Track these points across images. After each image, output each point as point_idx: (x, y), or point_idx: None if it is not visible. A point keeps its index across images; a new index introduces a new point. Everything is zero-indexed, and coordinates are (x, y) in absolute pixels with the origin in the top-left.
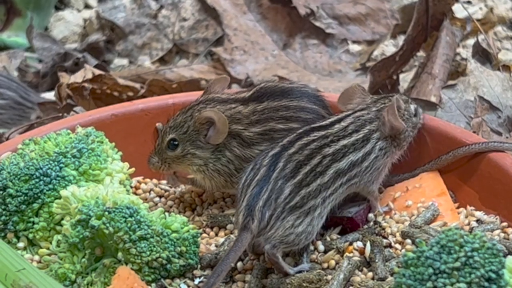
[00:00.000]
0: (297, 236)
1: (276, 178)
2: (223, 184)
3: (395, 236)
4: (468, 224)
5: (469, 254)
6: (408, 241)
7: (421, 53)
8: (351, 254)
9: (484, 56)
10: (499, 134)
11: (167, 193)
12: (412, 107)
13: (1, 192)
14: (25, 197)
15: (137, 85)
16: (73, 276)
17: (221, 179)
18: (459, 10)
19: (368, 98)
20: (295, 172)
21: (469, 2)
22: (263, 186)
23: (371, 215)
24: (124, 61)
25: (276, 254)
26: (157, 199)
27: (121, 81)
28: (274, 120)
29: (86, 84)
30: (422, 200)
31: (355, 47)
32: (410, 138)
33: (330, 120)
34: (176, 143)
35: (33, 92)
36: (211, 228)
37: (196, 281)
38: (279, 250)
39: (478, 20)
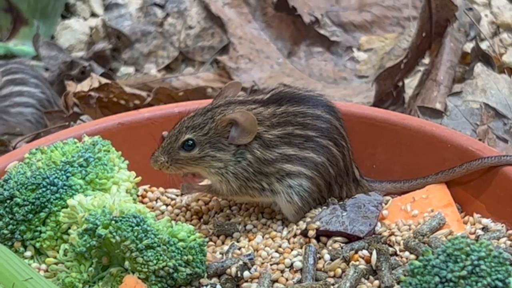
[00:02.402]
0: None
1: None
2: (237, 189)
3: (400, 245)
4: (474, 232)
5: (475, 262)
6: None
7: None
8: (357, 263)
9: (484, 60)
10: (505, 141)
11: (173, 201)
12: None
13: (8, 201)
14: (32, 206)
15: (144, 93)
16: (80, 285)
17: (237, 183)
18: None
19: None
20: None
21: (470, 9)
22: None
23: (378, 228)
24: (130, 69)
25: None
26: (163, 207)
27: (128, 90)
28: (293, 125)
29: (92, 93)
30: (429, 210)
31: (360, 55)
32: None
33: None
34: (192, 143)
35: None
36: (218, 236)
37: None
38: None
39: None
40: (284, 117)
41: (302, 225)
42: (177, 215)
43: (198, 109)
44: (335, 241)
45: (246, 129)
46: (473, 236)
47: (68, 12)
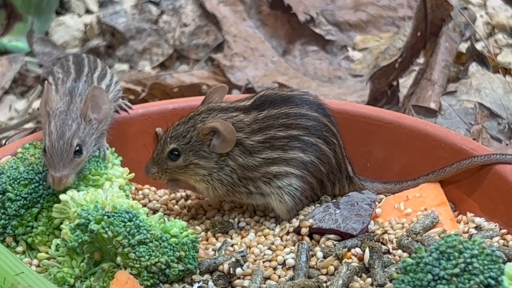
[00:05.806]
0: None
1: None
2: (224, 194)
3: (393, 243)
4: (467, 231)
5: (468, 260)
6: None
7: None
8: (349, 260)
9: (479, 60)
10: (499, 141)
11: (166, 198)
12: None
13: (0, 196)
14: (25, 201)
15: (138, 88)
16: (72, 280)
17: (223, 189)
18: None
19: None
20: None
21: (465, 9)
22: None
23: (371, 226)
24: (125, 66)
25: None
26: (157, 204)
27: (122, 84)
28: (275, 128)
29: None
30: (422, 209)
31: (355, 54)
32: None
33: None
34: (177, 153)
35: None
36: (213, 233)
37: (195, 286)
38: None
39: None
40: (266, 122)
41: (295, 222)
42: (172, 210)
43: (182, 117)
44: (328, 239)
45: (226, 139)
46: (466, 235)
47: (63, 8)
